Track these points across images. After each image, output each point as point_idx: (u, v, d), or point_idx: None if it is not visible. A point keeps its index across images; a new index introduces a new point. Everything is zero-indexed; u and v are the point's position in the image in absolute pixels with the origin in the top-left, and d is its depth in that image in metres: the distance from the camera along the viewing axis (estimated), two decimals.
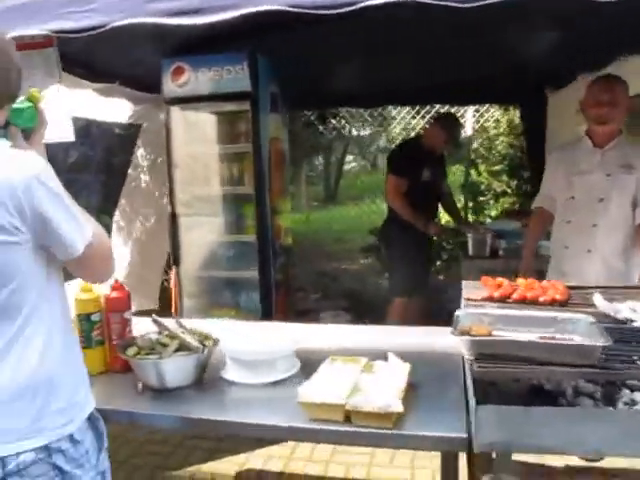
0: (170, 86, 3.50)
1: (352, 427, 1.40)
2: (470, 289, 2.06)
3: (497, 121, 5.46)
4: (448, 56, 3.57)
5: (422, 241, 3.96)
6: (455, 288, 2.29)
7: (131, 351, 1.68)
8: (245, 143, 3.60)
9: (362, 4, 1.83)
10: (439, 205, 4.32)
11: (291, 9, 1.88)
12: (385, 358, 1.67)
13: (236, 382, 1.67)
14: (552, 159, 2.86)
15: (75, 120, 2.36)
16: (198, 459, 2.96)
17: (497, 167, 5.33)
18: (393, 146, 5.59)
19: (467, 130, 5.16)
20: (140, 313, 4.87)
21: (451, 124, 4.09)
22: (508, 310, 1.70)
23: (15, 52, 1.33)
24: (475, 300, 1.91)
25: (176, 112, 3.58)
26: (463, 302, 1.94)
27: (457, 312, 1.63)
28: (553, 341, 1.43)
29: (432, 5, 1.70)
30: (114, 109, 3.79)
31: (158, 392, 1.64)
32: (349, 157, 14.68)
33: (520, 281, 2.03)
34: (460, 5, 1.70)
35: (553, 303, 1.85)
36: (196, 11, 1.92)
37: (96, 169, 3.85)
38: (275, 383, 1.66)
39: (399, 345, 1.92)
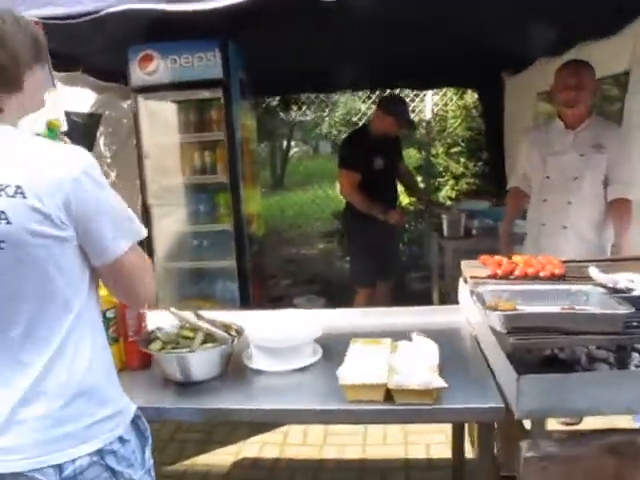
0: (138, 74, 3.40)
1: (394, 405, 1.45)
2: (470, 268, 2.14)
3: (455, 104, 5.61)
4: (405, 40, 3.61)
5: (384, 228, 3.75)
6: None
7: (155, 346, 1.65)
8: (217, 131, 3.55)
9: None
10: (397, 190, 4.15)
11: None
12: (406, 338, 1.73)
13: (263, 370, 1.67)
14: (526, 140, 2.98)
15: None
16: (191, 452, 2.95)
17: (455, 149, 5.50)
18: (334, 131, 5.57)
19: (426, 114, 5.29)
20: None
21: (394, 106, 3.83)
22: (522, 286, 1.78)
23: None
24: (480, 278, 1.99)
25: (144, 101, 3.48)
26: (469, 280, 2.02)
27: (479, 289, 1.69)
28: (583, 312, 1.52)
29: None
30: (76, 98, 3.64)
31: (183, 386, 1.63)
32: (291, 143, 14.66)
33: (517, 258, 2.13)
34: None
35: (552, 277, 1.96)
36: None
37: None
38: (302, 369, 1.68)
39: (406, 324, 1.98)
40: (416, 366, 1.49)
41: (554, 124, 2.82)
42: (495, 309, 1.54)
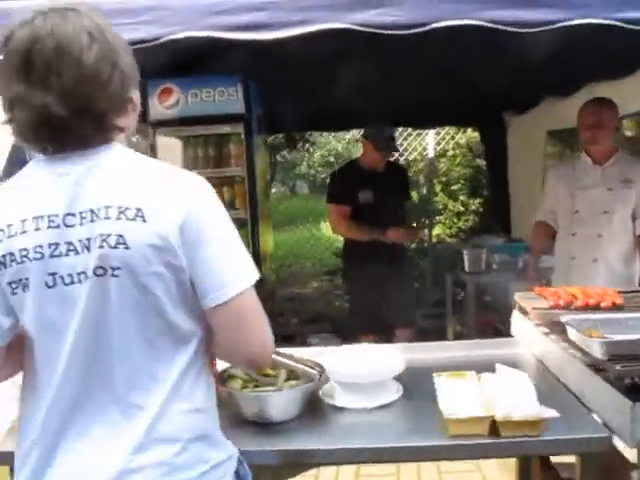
0: (157, 108, 3.37)
1: (499, 439, 1.40)
2: (525, 300, 2.13)
3: (457, 143, 5.73)
4: (410, 80, 3.68)
5: (390, 262, 3.46)
6: None
7: (235, 384, 1.56)
8: (234, 167, 3.52)
9: (431, 26, 1.90)
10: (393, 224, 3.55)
11: (358, 28, 1.90)
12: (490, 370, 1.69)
13: (347, 408, 1.59)
14: (552, 176, 3.05)
15: None
16: None
17: (455, 187, 5.58)
18: (312, 171, 5.50)
19: (429, 152, 5.38)
20: None
21: (371, 130, 3.63)
22: (601, 315, 1.78)
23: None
24: (544, 309, 1.98)
25: (163, 135, 3.44)
26: (531, 312, 2.01)
27: (563, 319, 1.68)
28: None
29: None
30: None
31: (259, 425, 1.52)
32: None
33: (572, 289, 2.13)
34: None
35: (613, 307, 1.96)
36: (264, 26, 1.88)
37: None
38: (387, 405, 1.61)
39: (463, 357, 1.99)
40: (521, 397, 1.45)
41: (581, 159, 2.89)
42: (589, 337, 1.53)
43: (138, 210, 1.02)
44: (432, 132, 5.44)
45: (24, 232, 1.03)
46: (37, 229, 1.03)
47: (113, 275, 1.02)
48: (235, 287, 1.06)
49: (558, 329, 1.77)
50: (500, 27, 1.91)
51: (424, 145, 5.55)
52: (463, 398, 1.48)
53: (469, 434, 1.41)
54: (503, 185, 4.63)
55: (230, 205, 3.57)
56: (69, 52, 1.00)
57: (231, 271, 1.07)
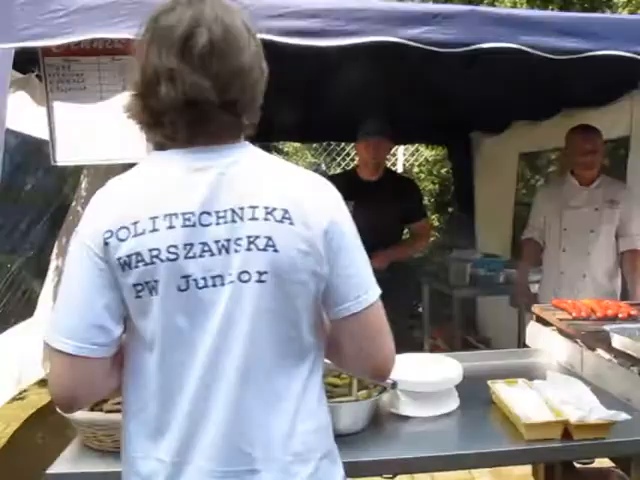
0: None
1: (572, 442, 1.46)
2: (545, 311, 2.24)
3: (426, 160, 5.89)
4: (381, 95, 3.74)
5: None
6: None
7: None
8: None
9: (476, 46, 1.99)
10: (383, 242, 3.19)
11: (408, 42, 1.95)
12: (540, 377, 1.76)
13: (411, 417, 1.61)
14: (540, 195, 3.24)
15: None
16: None
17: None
18: None
19: (399, 167, 5.51)
20: None
21: (362, 127, 3.33)
22: (632, 324, 1.90)
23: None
24: (570, 319, 2.09)
25: None
26: (557, 321, 2.11)
27: (607, 327, 1.78)
28: None
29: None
30: None
31: None
32: None
33: (586, 301, 2.26)
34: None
35: (629, 317, 2.10)
36: (319, 33, 1.88)
37: (46, 200, 3.39)
38: (449, 414, 1.64)
39: (501, 366, 2.06)
40: (590, 401, 1.52)
41: (567, 181, 3.07)
42: None
43: (285, 211, 0.98)
44: (402, 148, 5.59)
45: (155, 230, 0.95)
46: (170, 227, 0.95)
47: (259, 281, 0.96)
48: (369, 297, 1.04)
49: (595, 337, 1.89)
50: (532, 51, 2.03)
51: (393, 161, 5.69)
52: (531, 404, 1.54)
53: (542, 438, 1.47)
54: (469, 202, 4.82)
55: None
56: (236, 42, 0.98)
57: (366, 281, 1.05)
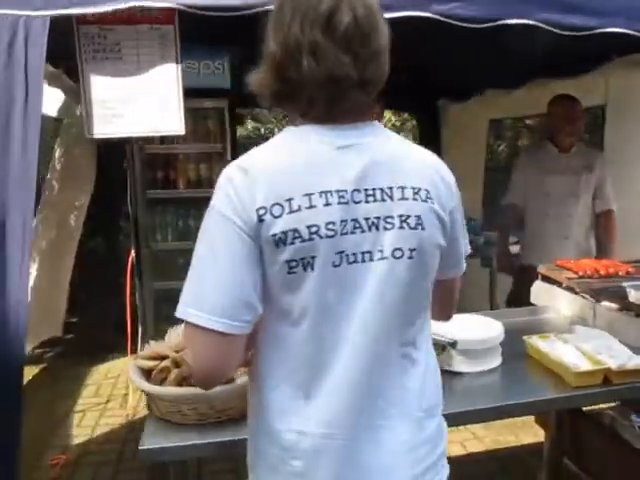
0: None
1: (613, 386, 1.64)
2: (550, 271, 2.41)
3: (394, 126, 5.97)
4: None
5: None
6: None
7: None
8: (214, 143, 3.42)
9: (502, 22, 2.07)
10: None
11: (437, 17, 2.02)
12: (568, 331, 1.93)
13: (464, 372, 1.72)
14: (521, 162, 3.39)
15: None
16: None
17: None
18: None
19: None
20: (44, 344, 4.17)
21: None
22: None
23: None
24: (577, 278, 2.27)
25: None
26: (565, 280, 2.29)
27: (625, 284, 1.97)
28: None
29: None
30: (50, 100, 3.24)
31: None
32: None
33: (586, 261, 2.46)
34: None
35: (628, 275, 2.31)
36: None
37: None
38: (495, 369, 1.76)
39: (520, 322, 2.21)
40: (619, 350, 1.70)
41: (546, 148, 3.24)
42: None
43: (427, 192, 1.04)
44: None
45: (312, 207, 0.96)
46: (327, 204, 0.97)
47: (410, 257, 1.02)
48: (462, 266, 1.21)
49: (606, 293, 2.08)
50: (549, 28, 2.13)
51: None
52: (572, 355, 1.71)
53: (586, 385, 1.63)
54: None
55: (208, 184, 3.47)
56: (376, 23, 1.01)
57: (462, 253, 1.20)
